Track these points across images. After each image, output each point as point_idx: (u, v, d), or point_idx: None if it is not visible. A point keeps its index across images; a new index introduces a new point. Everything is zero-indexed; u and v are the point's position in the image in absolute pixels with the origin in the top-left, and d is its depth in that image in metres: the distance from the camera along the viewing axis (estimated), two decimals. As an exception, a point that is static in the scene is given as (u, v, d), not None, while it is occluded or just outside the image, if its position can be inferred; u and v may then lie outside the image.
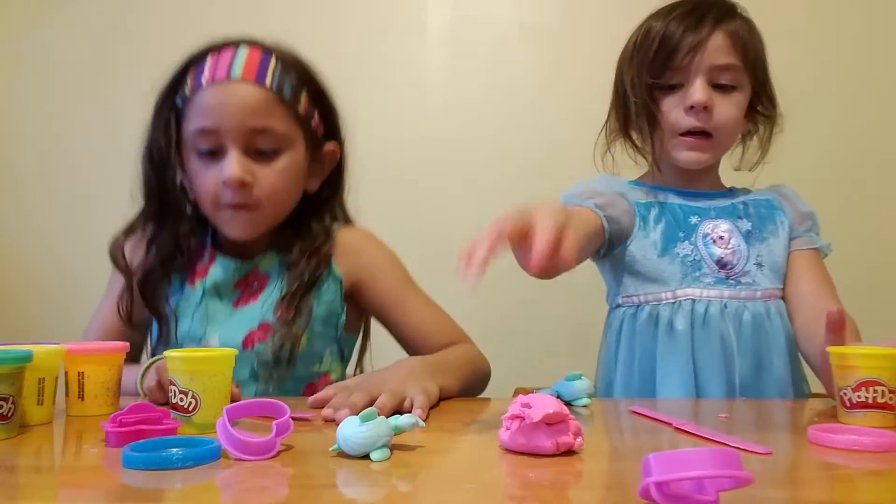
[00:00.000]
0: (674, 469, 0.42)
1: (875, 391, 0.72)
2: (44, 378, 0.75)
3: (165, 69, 1.04)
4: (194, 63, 1.02)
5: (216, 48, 1.02)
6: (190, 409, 0.70)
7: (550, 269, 0.71)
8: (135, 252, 1.07)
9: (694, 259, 1.07)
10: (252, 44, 1.02)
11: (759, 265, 1.07)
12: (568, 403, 0.85)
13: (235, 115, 0.98)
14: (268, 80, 1.00)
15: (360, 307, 1.10)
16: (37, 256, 1.81)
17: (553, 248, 0.68)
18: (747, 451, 0.61)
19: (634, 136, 1.14)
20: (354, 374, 1.12)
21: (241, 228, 1.03)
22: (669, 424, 0.73)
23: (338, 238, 1.08)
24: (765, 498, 0.49)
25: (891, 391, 0.72)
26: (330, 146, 1.09)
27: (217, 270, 1.06)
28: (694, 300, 1.05)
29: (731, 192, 1.16)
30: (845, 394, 0.74)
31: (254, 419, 0.72)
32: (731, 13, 1.08)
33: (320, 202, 1.11)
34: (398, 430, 0.61)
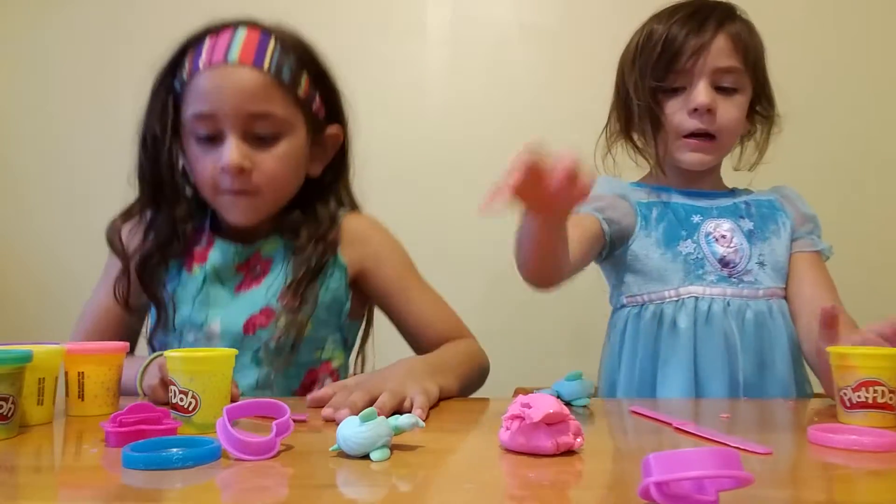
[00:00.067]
0: (674, 469, 0.42)
1: (875, 391, 0.72)
2: (44, 378, 0.75)
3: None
4: (192, 45, 1.00)
5: (214, 30, 1.00)
6: (190, 409, 0.70)
7: (568, 198, 0.74)
8: (132, 237, 1.05)
9: (697, 257, 1.07)
10: (251, 25, 1.01)
11: (762, 264, 1.08)
12: (568, 403, 0.85)
13: (233, 100, 0.96)
14: (266, 63, 0.98)
15: (363, 295, 1.09)
16: (37, 256, 1.81)
17: (572, 175, 0.72)
18: (747, 451, 0.61)
19: (636, 137, 1.15)
20: (357, 361, 1.12)
21: (242, 214, 1.02)
22: (669, 424, 0.73)
23: (344, 225, 1.07)
24: (765, 498, 0.49)
25: (891, 391, 0.72)
26: (332, 129, 1.07)
27: (216, 254, 1.04)
28: (697, 298, 1.05)
29: (733, 192, 1.16)
30: (845, 394, 0.74)
31: (254, 419, 0.72)
32: (732, 16, 1.09)
33: (324, 186, 1.09)
34: (398, 430, 0.61)
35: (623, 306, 1.11)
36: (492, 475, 0.58)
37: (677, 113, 1.08)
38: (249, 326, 1.00)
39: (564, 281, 0.99)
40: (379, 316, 1.12)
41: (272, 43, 1.00)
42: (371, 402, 0.77)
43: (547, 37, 1.69)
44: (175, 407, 0.71)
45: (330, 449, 0.61)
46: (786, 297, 1.09)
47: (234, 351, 0.75)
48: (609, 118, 1.17)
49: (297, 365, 1.02)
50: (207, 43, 0.99)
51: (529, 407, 0.59)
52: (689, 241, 1.09)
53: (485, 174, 1.75)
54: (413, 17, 1.73)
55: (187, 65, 1.00)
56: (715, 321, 1.04)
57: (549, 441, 0.59)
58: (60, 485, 0.57)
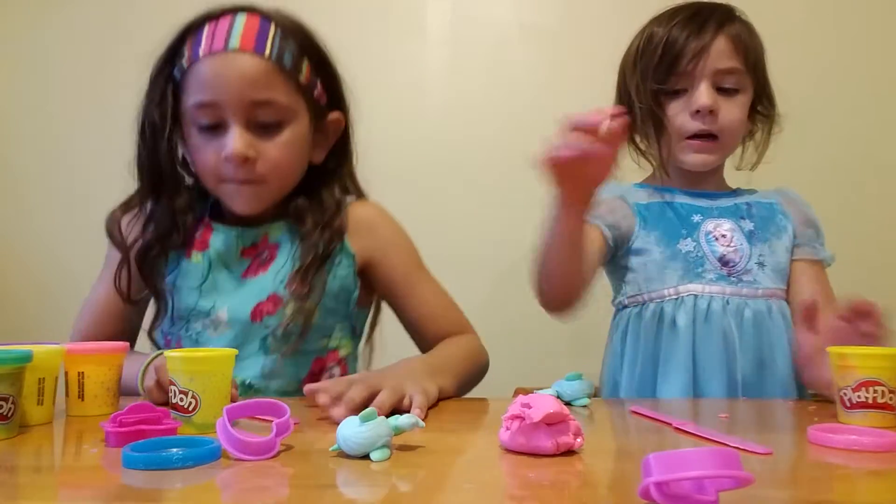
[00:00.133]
0: (674, 469, 0.43)
1: (875, 391, 0.72)
2: (44, 378, 0.75)
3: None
4: (191, 32, 0.99)
5: (213, 16, 0.99)
6: (190, 409, 0.70)
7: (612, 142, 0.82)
8: (131, 227, 1.04)
9: (696, 255, 1.08)
10: (250, 11, 0.99)
11: (761, 265, 1.08)
12: (568, 403, 0.85)
13: (235, 88, 0.95)
14: (267, 50, 0.97)
15: (369, 285, 1.09)
16: (37, 256, 1.81)
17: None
18: (747, 451, 0.61)
19: (638, 140, 1.15)
20: (365, 350, 1.11)
21: (246, 203, 1.01)
22: (669, 424, 0.73)
23: (350, 213, 1.06)
24: (765, 498, 0.49)
25: (891, 391, 0.72)
26: (334, 115, 1.06)
27: (218, 239, 1.03)
28: (696, 296, 1.06)
29: (736, 192, 1.17)
30: (845, 394, 0.74)
31: (254, 419, 0.72)
32: (732, 17, 1.10)
33: (327, 173, 1.08)
34: (398, 430, 0.61)
35: (625, 307, 1.12)
36: (492, 475, 0.58)
37: (679, 115, 1.08)
38: (257, 314, 1.00)
39: (582, 296, 1.01)
40: (386, 306, 1.12)
41: (272, 28, 0.98)
42: (370, 398, 0.77)
43: (547, 37, 1.69)
44: (175, 407, 0.71)
45: (330, 449, 0.61)
46: (786, 300, 1.09)
47: (234, 351, 0.75)
48: None
49: (304, 353, 1.01)
50: (207, 30, 0.98)
51: (529, 407, 0.59)
52: (689, 239, 1.09)
53: (485, 174, 1.77)
54: (413, 17, 1.73)
55: (186, 52, 0.98)
56: (714, 319, 1.04)
57: (549, 441, 0.59)
58: (60, 485, 0.57)
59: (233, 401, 0.74)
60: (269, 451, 0.60)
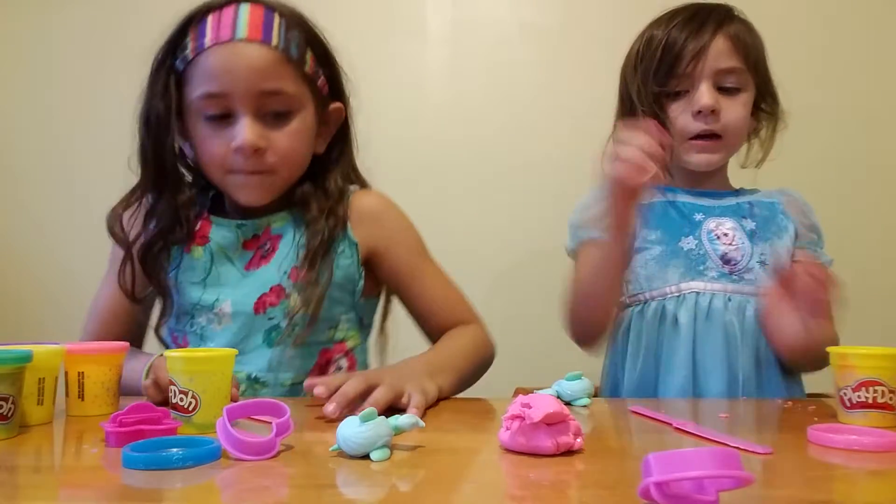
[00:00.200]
0: (674, 469, 0.42)
1: (875, 391, 0.72)
2: (44, 378, 0.75)
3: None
4: (194, 23, 0.97)
5: (215, 6, 0.97)
6: (190, 409, 0.70)
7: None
8: (133, 224, 1.03)
9: (698, 253, 1.08)
10: (253, 1, 0.98)
11: (763, 263, 1.08)
12: (568, 403, 0.85)
13: (245, 77, 0.94)
14: (274, 39, 0.96)
15: (375, 275, 1.08)
16: (37, 256, 1.81)
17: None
18: (747, 451, 0.61)
19: None
20: (379, 341, 1.10)
21: (255, 194, 1.00)
22: (669, 424, 0.73)
23: (354, 202, 1.06)
24: (765, 498, 0.50)
25: (891, 391, 0.72)
26: (335, 106, 1.06)
27: (218, 232, 1.03)
28: (698, 293, 1.06)
29: (738, 192, 1.17)
30: (845, 394, 0.74)
31: (254, 419, 0.72)
32: (730, 16, 1.10)
33: (329, 163, 1.07)
34: (398, 430, 0.61)
35: (627, 305, 1.12)
36: (492, 475, 0.58)
37: (681, 116, 1.09)
38: (260, 306, 0.99)
39: (612, 320, 1.06)
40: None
41: (277, 18, 0.98)
42: (366, 393, 0.77)
43: (547, 37, 1.69)
44: (175, 407, 0.71)
45: (330, 449, 0.61)
46: None
47: (233, 351, 0.75)
48: (615, 125, 1.18)
49: (310, 344, 1.01)
50: (211, 20, 0.96)
51: (529, 407, 0.59)
52: (691, 237, 1.10)
53: (484, 174, 1.77)
54: (413, 17, 1.73)
55: (190, 43, 0.97)
56: (715, 316, 1.05)
57: (549, 441, 0.59)
58: (60, 485, 0.57)
59: (233, 400, 0.74)
60: (269, 451, 0.60)
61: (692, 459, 0.42)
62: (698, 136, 1.09)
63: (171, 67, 0.99)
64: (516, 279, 1.64)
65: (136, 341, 1.08)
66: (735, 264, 1.07)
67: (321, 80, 1.03)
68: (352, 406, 0.76)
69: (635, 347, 1.09)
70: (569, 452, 0.60)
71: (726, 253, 1.08)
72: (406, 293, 1.07)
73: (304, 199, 1.03)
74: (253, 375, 0.98)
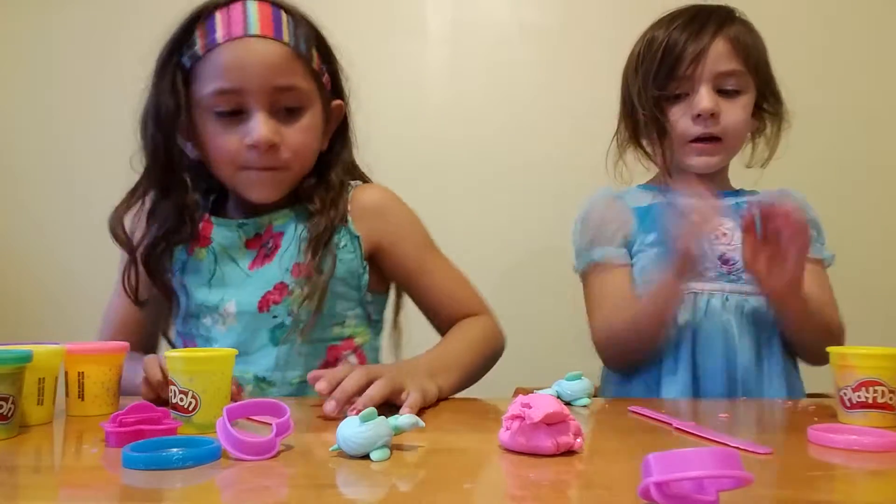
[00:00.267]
0: (674, 469, 0.43)
1: (875, 391, 0.72)
2: (44, 378, 0.75)
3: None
4: (201, 20, 0.97)
5: (222, 4, 0.96)
6: (190, 409, 0.70)
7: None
8: (135, 226, 1.03)
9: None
10: None
11: None
12: (568, 403, 0.85)
13: (259, 73, 0.94)
14: (285, 36, 0.96)
15: (381, 270, 1.07)
16: (37, 256, 1.81)
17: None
18: (747, 451, 0.61)
19: (645, 143, 1.16)
20: (392, 335, 1.10)
21: (267, 190, 1.00)
22: (669, 424, 0.73)
23: (356, 196, 1.06)
24: (765, 498, 0.49)
25: (891, 391, 0.72)
26: (336, 103, 1.06)
27: (219, 233, 1.02)
28: (696, 294, 1.06)
29: (738, 193, 1.17)
30: (845, 394, 0.74)
31: (253, 420, 0.72)
32: (731, 18, 1.10)
33: (331, 158, 1.07)
34: (398, 430, 0.61)
35: None
36: (492, 475, 0.58)
37: (681, 119, 1.09)
38: (264, 304, 0.99)
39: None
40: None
41: (284, 15, 0.98)
42: (367, 388, 0.77)
43: (547, 37, 1.69)
44: (175, 407, 0.71)
45: (330, 449, 0.61)
46: None
47: (233, 351, 0.75)
48: (618, 126, 1.18)
49: (317, 341, 1.00)
50: (219, 17, 0.96)
51: (529, 407, 0.59)
52: None
53: (484, 174, 1.77)
54: (413, 17, 1.73)
55: (199, 40, 0.96)
56: (713, 315, 1.05)
57: (549, 441, 0.59)
58: (60, 485, 0.57)
59: (233, 399, 0.74)
60: (269, 451, 0.60)
61: (692, 459, 0.42)
62: (698, 139, 1.09)
63: (177, 65, 0.98)
64: (516, 279, 1.63)
65: (151, 349, 1.08)
66: (733, 264, 1.07)
67: (325, 77, 1.04)
68: (352, 402, 0.76)
69: None
70: (569, 452, 0.60)
71: (724, 253, 1.08)
72: (414, 288, 1.07)
73: (308, 194, 1.03)
74: (260, 375, 0.98)
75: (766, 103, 1.15)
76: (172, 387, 0.71)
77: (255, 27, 0.95)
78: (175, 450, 0.58)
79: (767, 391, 1.03)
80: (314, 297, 0.96)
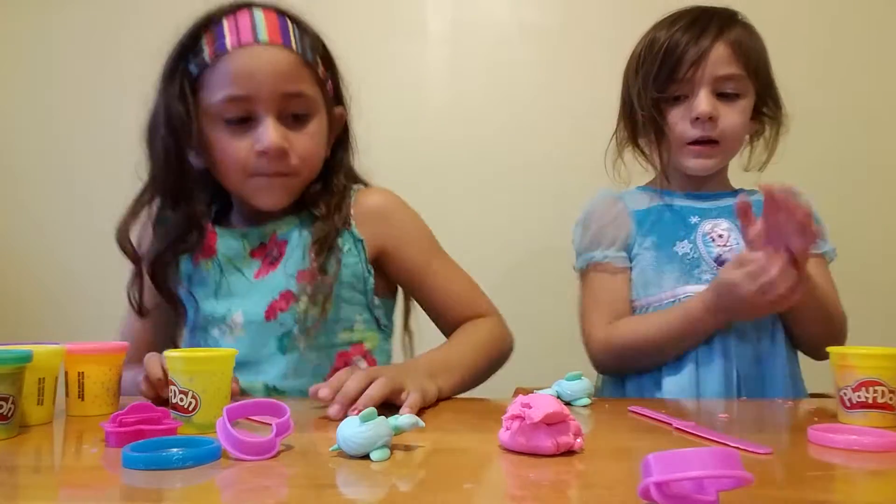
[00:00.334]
0: (674, 469, 0.42)
1: (875, 391, 0.72)
2: (44, 378, 0.75)
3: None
4: (208, 28, 0.97)
5: (227, 11, 0.97)
6: (190, 409, 0.70)
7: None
8: (142, 236, 1.03)
9: (693, 257, 1.08)
10: (263, 6, 0.98)
11: None
12: (568, 403, 0.85)
13: (269, 80, 0.94)
14: (293, 43, 0.97)
15: (387, 274, 1.07)
16: (37, 256, 1.81)
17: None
18: (747, 451, 0.61)
19: (643, 144, 1.16)
20: (404, 339, 1.10)
21: (276, 196, 1.00)
22: (669, 424, 0.73)
23: (359, 200, 1.05)
24: (765, 498, 0.49)
25: (891, 391, 0.72)
26: (339, 110, 1.07)
27: (224, 243, 1.02)
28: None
29: (737, 192, 1.17)
30: (845, 394, 0.74)
31: (253, 420, 0.72)
32: (732, 21, 1.10)
33: (334, 164, 1.07)
34: (398, 430, 0.61)
35: None
36: (492, 475, 0.58)
37: (680, 122, 1.09)
38: (270, 312, 0.99)
39: None
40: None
41: (290, 23, 0.99)
42: (367, 387, 0.77)
43: (547, 37, 1.69)
44: (175, 407, 0.71)
45: (330, 449, 0.61)
46: None
47: (233, 351, 0.75)
48: (617, 126, 1.19)
49: (326, 347, 1.00)
50: (227, 24, 0.96)
51: (529, 407, 0.60)
52: (686, 241, 1.09)
53: (485, 174, 1.76)
54: (413, 18, 1.73)
55: (207, 48, 0.96)
56: None
57: (549, 441, 0.59)
58: (60, 485, 0.57)
59: (233, 396, 0.74)
60: (269, 451, 0.60)
61: (692, 459, 0.42)
62: (696, 142, 1.09)
63: (184, 71, 0.98)
64: (516, 279, 1.63)
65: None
66: None
67: (329, 85, 1.04)
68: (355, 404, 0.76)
69: None
70: (569, 452, 0.60)
71: (720, 255, 1.08)
72: (419, 290, 1.06)
73: (313, 200, 1.03)
74: (270, 384, 0.98)
75: (766, 107, 1.15)
76: (172, 387, 0.71)
77: (263, 34, 0.95)
78: (175, 450, 0.58)
79: (768, 393, 1.03)
80: (318, 297, 0.96)
